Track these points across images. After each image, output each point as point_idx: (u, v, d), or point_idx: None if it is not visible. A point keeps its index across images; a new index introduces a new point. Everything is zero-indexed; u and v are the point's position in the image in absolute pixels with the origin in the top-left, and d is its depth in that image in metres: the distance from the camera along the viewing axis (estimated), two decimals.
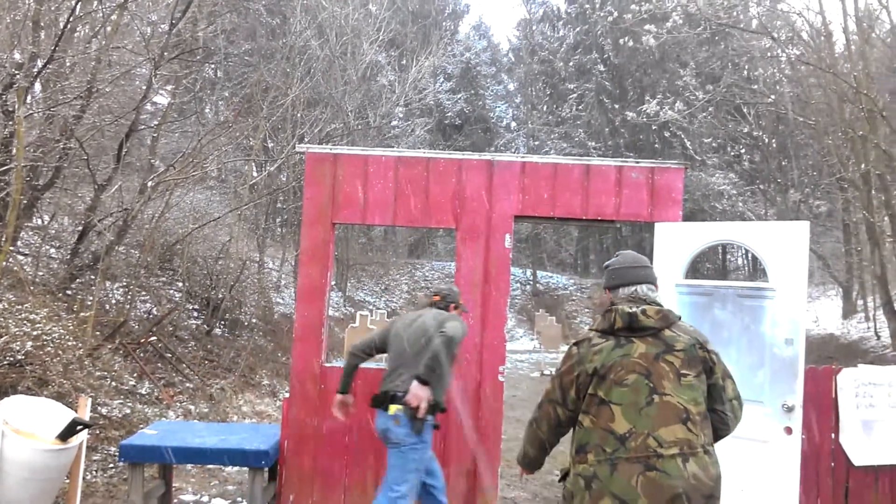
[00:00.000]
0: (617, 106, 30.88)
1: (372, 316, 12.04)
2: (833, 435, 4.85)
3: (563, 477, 2.72)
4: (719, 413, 2.68)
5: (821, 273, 25.37)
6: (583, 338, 2.78)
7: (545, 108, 35.07)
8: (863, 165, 16.31)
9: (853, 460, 4.76)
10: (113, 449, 6.21)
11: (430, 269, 30.82)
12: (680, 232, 4.84)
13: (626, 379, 2.58)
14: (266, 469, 4.85)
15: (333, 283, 24.37)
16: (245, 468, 5.48)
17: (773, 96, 25.41)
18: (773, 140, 27.94)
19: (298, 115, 18.49)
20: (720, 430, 2.70)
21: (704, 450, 2.55)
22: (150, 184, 8.66)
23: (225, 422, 8.52)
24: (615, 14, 26.89)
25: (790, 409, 4.31)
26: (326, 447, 4.99)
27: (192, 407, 8.30)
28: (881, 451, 4.78)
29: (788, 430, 4.31)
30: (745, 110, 26.65)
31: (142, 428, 5.95)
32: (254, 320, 13.48)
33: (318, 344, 5.09)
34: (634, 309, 2.68)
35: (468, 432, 4.97)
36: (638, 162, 5.07)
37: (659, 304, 2.78)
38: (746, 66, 30.22)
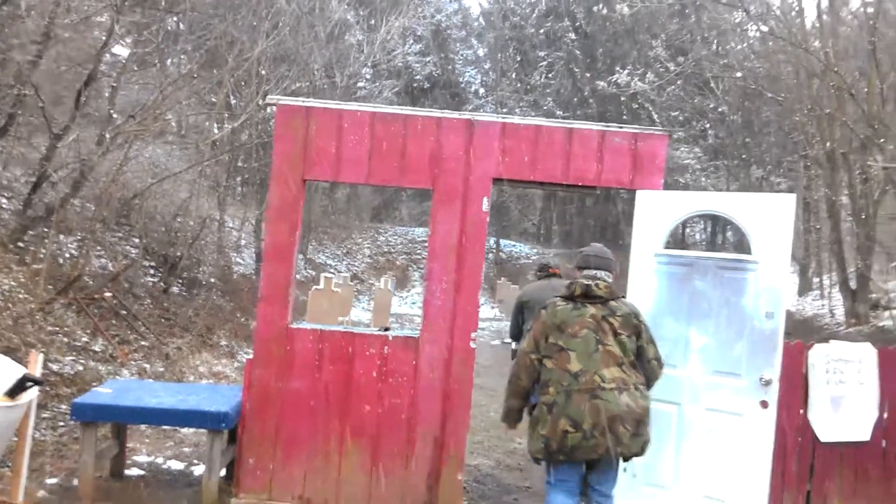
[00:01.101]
0: (588, 75, 30.71)
1: (336, 279, 11.82)
2: (801, 411, 4.83)
3: (519, 412, 3.82)
4: (644, 367, 3.69)
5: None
6: (549, 303, 3.81)
7: (514, 75, 34.74)
8: (828, 144, 16.47)
9: (820, 436, 4.75)
10: (64, 407, 5.95)
11: (393, 233, 30.59)
12: (661, 200, 4.72)
13: (580, 332, 3.59)
14: (226, 431, 4.67)
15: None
16: (203, 430, 5.28)
17: (739, 72, 25.50)
18: (738, 116, 28.12)
19: (263, 71, 17.95)
20: (649, 379, 3.71)
21: (635, 387, 3.54)
22: (108, 135, 8.25)
23: (181, 382, 8.30)
24: None
25: (768, 383, 4.26)
26: (290, 410, 4.81)
27: (147, 366, 8.05)
28: (848, 428, 4.78)
29: (764, 404, 4.27)
30: (713, 85, 26.71)
31: (95, 386, 5.70)
32: (212, 279, 13.16)
33: (284, 305, 4.88)
34: (590, 282, 3.74)
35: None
36: (621, 127, 4.92)
37: (608, 283, 3.77)
38: (716, 41, 30.29)
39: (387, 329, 5.10)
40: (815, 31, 17.49)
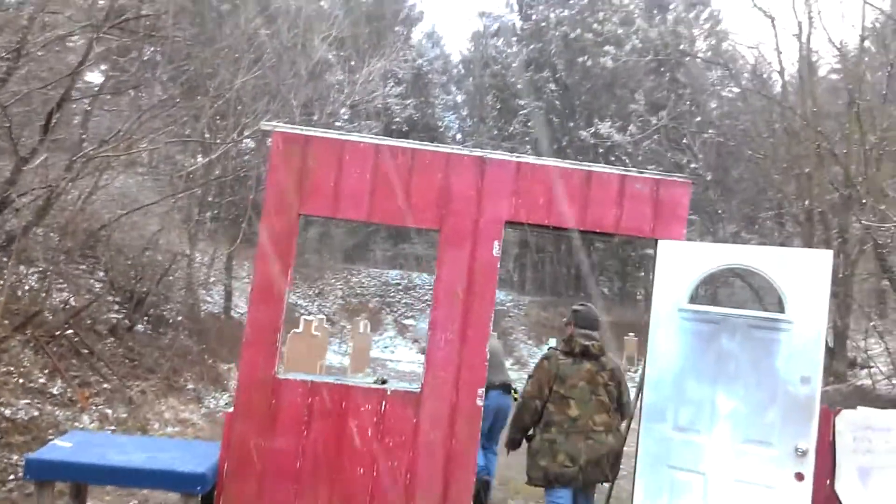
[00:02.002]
0: (571, 124, 30.91)
1: (315, 322, 11.31)
2: (828, 481, 4.48)
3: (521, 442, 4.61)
4: (622, 409, 4.55)
5: (752, 304, 25.84)
6: (550, 355, 4.53)
7: (492, 122, 34.89)
8: (807, 202, 16.54)
9: None
10: (16, 457, 5.35)
11: (366, 275, 30.08)
12: (686, 252, 4.40)
13: (578, 384, 4.36)
14: (200, 495, 4.16)
15: None
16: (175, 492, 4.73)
17: (712, 130, 25.83)
18: (712, 173, 28.40)
19: (239, 107, 17.58)
20: (623, 417, 4.57)
21: (616, 429, 4.44)
22: (78, 161, 7.76)
23: (145, 429, 7.70)
24: (574, 33, 26.89)
25: (804, 454, 3.90)
26: (273, 472, 4.32)
27: (109, 411, 7.44)
28: (879, 500, 4.43)
29: (800, 477, 3.90)
30: (688, 141, 27.04)
31: (51, 436, 5.14)
32: (179, 318, 12.53)
33: (271, 351, 4.43)
34: (588, 343, 4.49)
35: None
36: (642, 172, 4.62)
37: (600, 342, 4.51)
38: (689, 99, 30.82)
39: (384, 382, 4.66)
40: (794, 90, 17.72)
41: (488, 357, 6.45)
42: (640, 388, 5.40)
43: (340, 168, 4.50)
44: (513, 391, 6.83)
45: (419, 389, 4.47)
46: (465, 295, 4.48)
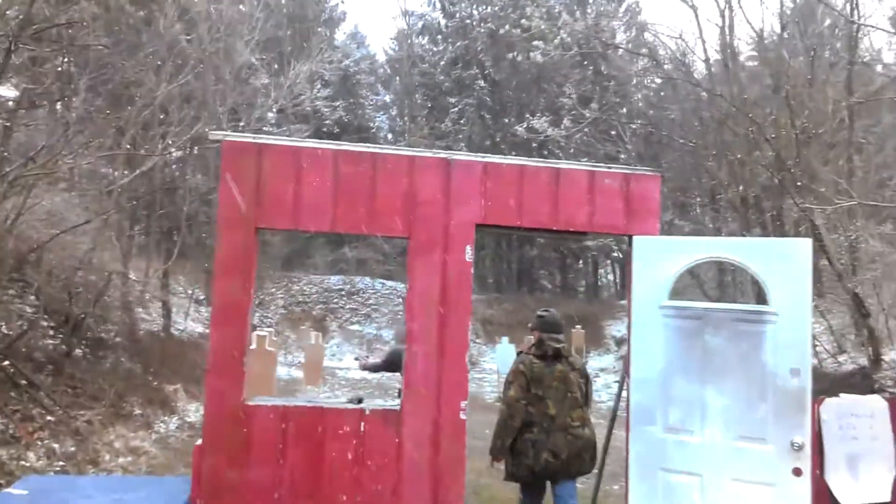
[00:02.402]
0: (506, 120, 30.95)
1: (271, 336, 10.86)
2: (818, 472, 4.44)
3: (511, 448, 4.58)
4: (586, 400, 4.79)
5: (692, 290, 26.42)
6: (524, 360, 4.71)
7: (424, 120, 34.70)
8: (741, 188, 16.92)
9: (841, 501, 4.36)
10: None
11: (307, 282, 29.46)
12: (662, 247, 4.29)
13: (553, 384, 4.59)
14: None
15: (203, 297, 22.61)
16: None
17: (638, 121, 26.27)
18: (640, 163, 28.89)
19: (162, 115, 16.85)
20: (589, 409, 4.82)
21: (589, 422, 4.67)
22: (4, 181, 7.19)
23: (96, 462, 7.22)
24: (503, 29, 26.89)
25: (800, 448, 3.83)
26: None
27: (55, 445, 6.92)
28: (867, 489, 4.42)
29: (798, 472, 3.83)
30: (616, 132, 27.40)
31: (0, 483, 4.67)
32: (118, 339, 11.88)
33: (237, 377, 4.11)
34: (558, 346, 4.70)
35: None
36: (610, 167, 4.49)
37: (565, 344, 4.74)
38: (615, 91, 31.32)
39: (360, 400, 4.39)
40: (717, 78, 18.10)
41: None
42: (619, 390, 5.29)
43: (299, 177, 4.21)
44: None
45: (399, 407, 4.23)
46: (439, 305, 4.25)
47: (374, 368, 7.74)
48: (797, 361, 3.89)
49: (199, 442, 4.17)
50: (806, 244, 3.93)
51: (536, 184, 4.35)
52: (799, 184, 13.16)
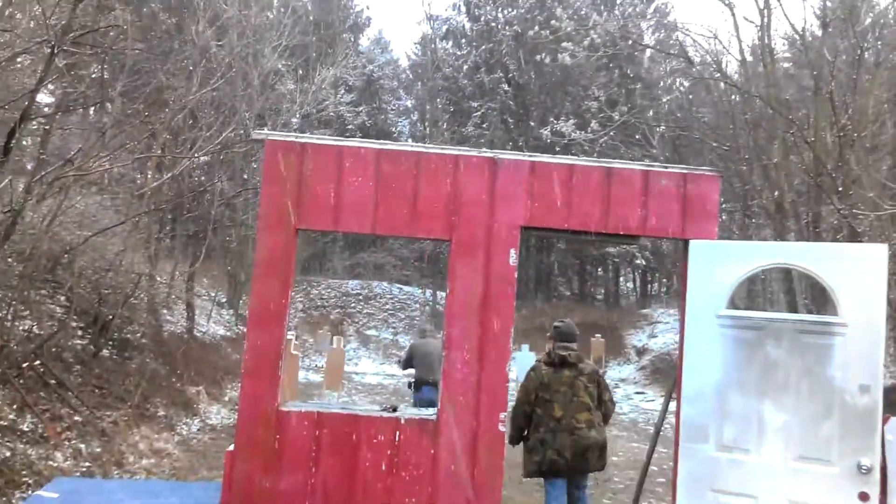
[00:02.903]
0: (530, 124, 30.72)
1: (294, 340, 10.73)
2: (882, 496, 4.16)
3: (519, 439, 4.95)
4: (604, 407, 4.97)
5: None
6: (535, 367, 4.95)
7: (446, 125, 34.53)
8: (776, 193, 16.51)
9: None
10: None
11: (325, 286, 29.38)
12: (722, 252, 4.05)
13: (560, 389, 4.79)
14: None
15: (225, 300, 22.60)
16: None
17: (663, 125, 25.89)
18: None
19: (191, 121, 16.84)
20: (606, 416, 4.99)
21: (599, 424, 4.85)
22: (44, 181, 7.11)
23: (121, 463, 7.09)
24: (532, 31, 26.62)
25: (868, 471, 3.57)
26: None
27: (82, 446, 6.81)
28: None
29: (864, 497, 3.58)
30: (640, 136, 27.04)
31: (25, 477, 4.55)
32: (144, 341, 11.81)
33: (273, 381, 3.95)
34: (565, 353, 4.89)
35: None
36: (666, 167, 4.27)
37: (577, 351, 4.95)
38: (641, 94, 30.98)
39: (395, 409, 4.20)
40: (751, 78, 17.72)
41: (425, 356, 8.48)
42: (665, 404, 5.05)
43: (340, 177, 4.05)
44: None
45: (435, 416, 4.03)
46: (480, 310, 4.06)
47: (403, 366, 9.11)
48: (868, 377, 3.63)
49: (231, 448, 4.00)
50: (882, 250, 3.68)
51: (587, 184, 4.14)
52: (840, 189, 12.77)
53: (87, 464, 6.53)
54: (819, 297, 16.81)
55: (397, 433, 3.97)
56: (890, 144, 14.17)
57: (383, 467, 3.94)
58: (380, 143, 4.15)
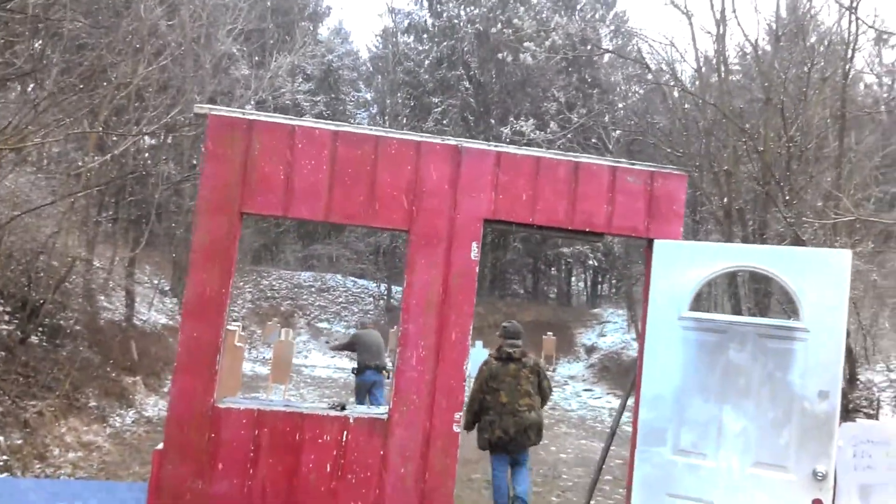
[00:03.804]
0: (490, 122, 30.66)
1: (239, 331, 10.38)
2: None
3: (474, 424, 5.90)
4: (542, 392, 5.95)
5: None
6: (486, 360, 5.99)
7: (405, 120, 34.26)
8: (725, 199, 16.76)
9: None
10: None
11: (276, 277, 28.84)
12: (686, 253, 3.96)
13: (506, 379, 5.77)
14: None
15: (168, 287, 21.95)
16: None
17: (618, 130, 26.16)
18: None
19: (138, 102, 16.27)
20: (544, 399, 5.99)
21: (537, 408, 5.83)
22: None
23: (44, 457, 6.71)
24: (495, 29, 26.51)
25: (823, 478, 3.52)
26: None
27: (0, 438, 6.40)
28: None
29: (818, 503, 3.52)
30: (596, 140, 27.27)
31: None
32: (77, 328, 11.29)
33: (209, 376, 3.70)
34: (511, 350, 5.86)
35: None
36: (633, 164, 4.15)
37: (521, 348, 5.92)
38: (599, 98, 31.26)
39: (343, 407, 3.99)
40: (709, 87, 17.94)
41: (370, 345, 9.64)
42: (623, 405, 4.95)
43: (292, 158, 3.82)
44: (385, 371, 9.48)
45: (387, 416, 3.84)
46: (439, 305, 3.88)
47: (339, 348, 10.70)
48: (827, 383, 3.58)
49: (160, 446, 3.74)
50: (846, 256, 3.62)
51: (554, 178, 4.00)
52: (787, 197, 13.01)
53: (4, 457, 6.15)
54: (762, 302, 17.18)
55: (345, 433, 3.76)
56: (832, 157, 14.51)
57: (328, 469, 3.73)
58: (336, 124, 3.93)
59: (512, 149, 4.05)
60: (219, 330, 3.72)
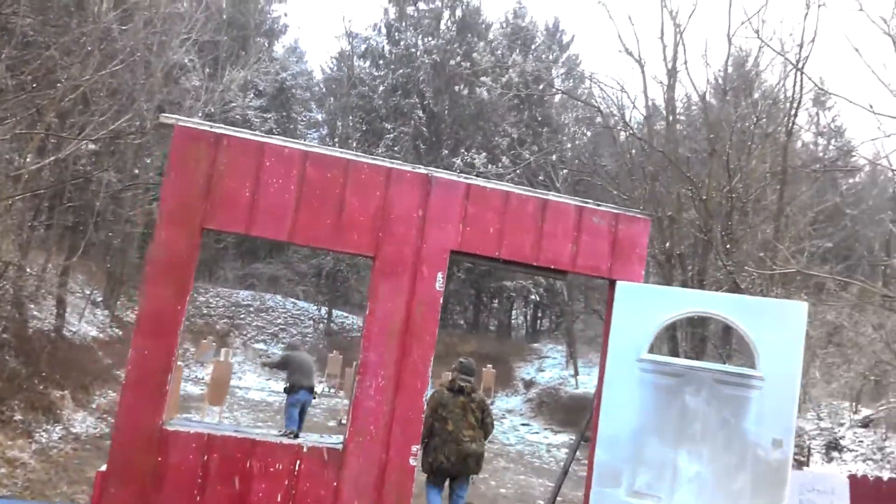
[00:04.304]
0: (442, 153, 30.86)
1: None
2: None
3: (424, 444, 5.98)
4: (485, 427, 6.33)
5: (602, 339, 26.65)
6: (438, 390, 6.28)
7: (356, 144, 34.18)
8: (667, 244, 17.17)
9: None
10: None
11: (214, 294, 28.15)
12: (648, 295, 4.01)
13: (455, 410, 6.09)
14: None
15: (101, 299, 21.17)
16: None
17: (566, 170, 26.67)
18: None
19: (81, 106, 15.80)
20: (486, 433, 6.36)
21: (480, 440, 6.17)
22: None
23: None
24: (454, 60, 26.79)
25: None
26: None
27: None
28: None
29: None
30: (553, 176, 27.71)
31: None
32: (5, 336, 10.77)
33: (158, 396, 3.54)
34: (464, 384, 6.22)
35: None
36: (599, 205, 4.20)
37: (472, 384, 6.31)
38: (547, 137, 31.87)
39: (295, 435, 3.86)
40: (657, 134, 18.47)
41: (302, 365, 10.14)
42: (576, 445, 4.95)
43: (258, 176, 3.72)
44: (314, 393, 10.20)
45: (341, 446, 3.74)
46: (401, 335, 3.81)
47: (272, 365, 10.89)
48: (781, 431, 3.64)
49: (103, 467, 3.55)
50: (802, 308, 3.72)
51: (521, 214, 4.01)
52: (728, 246, 13.41)
53: None
54: (698, 346, 17.59)
55: (297, 462, 3.64)
56: (771, 210, 15.08)
57: (279, 499, 3.59)
58: (306, 144, 3.86)
59: (481, 181, 4.05)
60: (172, 349, 3.57)
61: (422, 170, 3.98)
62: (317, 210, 3.76)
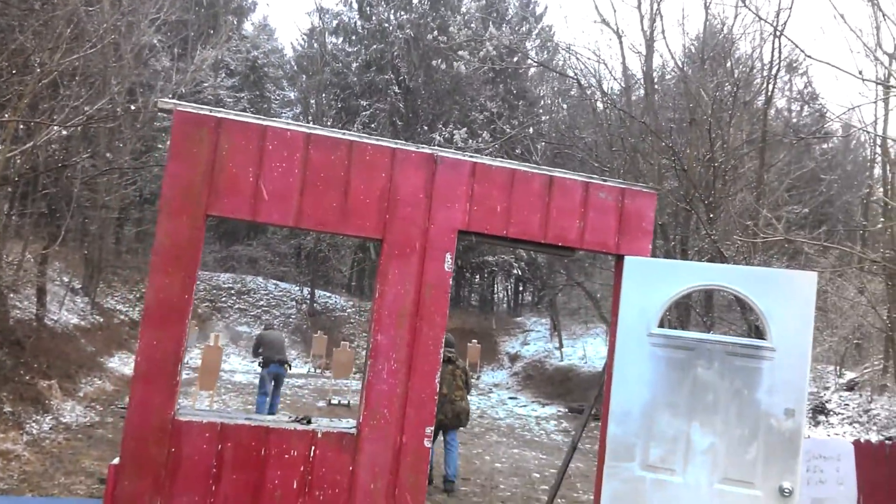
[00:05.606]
0: (418, 129, 30.65)
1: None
2: None
3: None
4: (467, 387, 8.05)
5: (585, 311, 26.93)
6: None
7: (331, 121, 33.82)
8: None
9: None
10: None
11: None
12: (657, 270, 4.00)
13: (446, 377, 7.66)
14: None
15: (80, 286, 20.87)
16: None
17: (545, 142, 26.66)
18: None
19: (51, 90, 15.43)
20: (468, 391, 8.07)
21: (466, 398, 7.94)
22: None
23: None
24: (430, 35, 26.50)
25: (789, 494, 3.61)
26: None
27: None
28: None
29: None
30: (532, 148, 27.67)
31: None
32: None
33: (170, 387, 3.48)
34: (450, 355, 7.68)
35: None
36: (605, 180, 4.17)
37: (454, 353, 7.83)
38: (524, 110, 31.78)
39: (308, 421, 3.83)
40: (636, 104, 18.48)
41: (272, 342, 11.15)
42: (585, 419, 4.97)
43: (262, 160, 3.64)
44: (286, 365, 10.93)
45: (356, 430, 3.71)
46: (412, 317, 3.78)
47: (255, 354, 11.41)
48: (793, 401, 3.68)
49: (116, 460, 3.50)
50: (812, 278, 3.74)
51: (527, 191, 3.97)
52: (711, 215, 13.49)
53: None
54: (683, 315, 17.77)
55: (312, 448, 3.61)
56: (750, 178, 15.21)
57: (294, 486, 3.57)
58: (309, 126, 3.78)
59: (487, 160, 4.00)
60: (181, 338, 3.51)
61: (426, 150, 3.92)
62: (322, 193, 3.70)
